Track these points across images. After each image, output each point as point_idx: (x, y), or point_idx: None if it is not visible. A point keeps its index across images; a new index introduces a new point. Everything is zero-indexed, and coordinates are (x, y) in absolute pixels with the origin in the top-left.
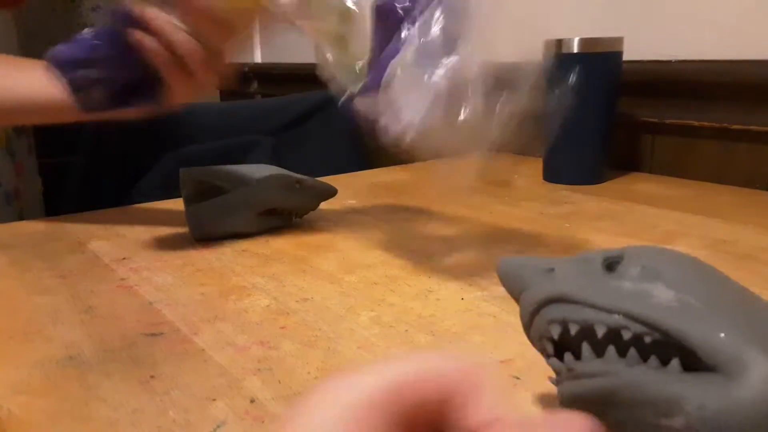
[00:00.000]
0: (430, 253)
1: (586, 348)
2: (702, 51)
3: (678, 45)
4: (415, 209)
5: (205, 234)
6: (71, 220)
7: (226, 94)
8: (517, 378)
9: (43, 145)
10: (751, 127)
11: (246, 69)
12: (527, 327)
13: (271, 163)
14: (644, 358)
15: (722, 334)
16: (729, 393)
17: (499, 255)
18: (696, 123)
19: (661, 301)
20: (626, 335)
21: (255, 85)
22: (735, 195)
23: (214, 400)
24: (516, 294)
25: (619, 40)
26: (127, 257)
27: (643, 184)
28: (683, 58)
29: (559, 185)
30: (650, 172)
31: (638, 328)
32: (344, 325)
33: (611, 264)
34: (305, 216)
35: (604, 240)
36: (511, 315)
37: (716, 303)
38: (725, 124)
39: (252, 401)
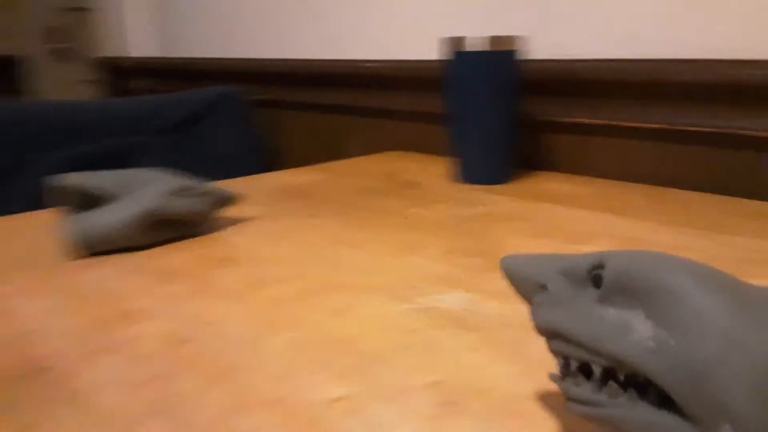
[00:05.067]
0: (348, 262)
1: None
2: (595, 51)
3: (574, 44)
4: (326, 214)
5: (87, 249)
6: None
7: (108, 91)
8: (448, 403)
9: None
10: (645, 125)
11: (130, 63)
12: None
13: (162, 167)
14: (642, 392)
15: (696, 389)
16: None
17: (420, 264)
18: (593, 121)
19: (641, 338)
20: (620, 375)
21: (140, 80)
22: (634, 192)
23: None
24: (521, 296)
25: (520, 39)
26: None
27: (548, 183)
28: (578, 57)
29: (468, 185)
30: (552, 170)
31: (627, 369)
32: (254, 351)
33: (596, 277)
34: (204, 226)
35: (520, 242)
36: (436, 329)
37: (695, 337)
38: (620, 122)
39: None
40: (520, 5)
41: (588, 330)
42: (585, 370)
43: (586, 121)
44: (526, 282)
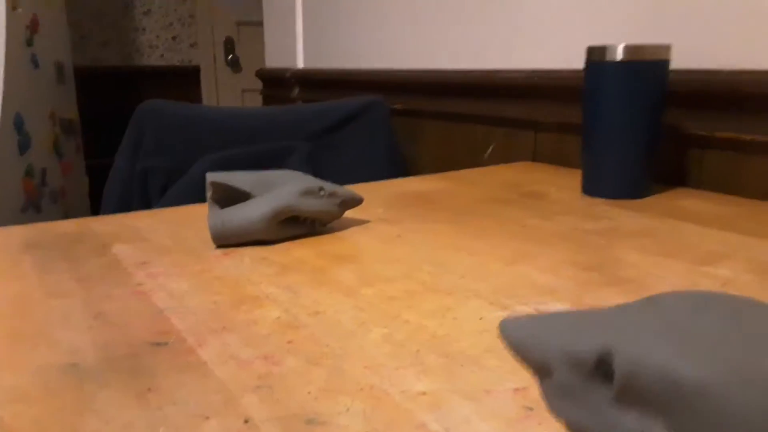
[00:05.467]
0: (456, 267)
1: None
2: (754, 61)
3: (729, 54)
4: (445, 220)
5: (225, 240)
6: (100, 222)
7: (268, 99)
8: (530, 408)
9: (91, 146)
10: None
11: (288, 74)
12: None
13: (307, 169)
14: None
15: None
16: None
17: (528, 273)
18: (748, 137)
19: None
20: None
21: (297, 90)
22: None
23: (207, 418)
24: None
25: (665, 48)
26: (147, 262)
27: (689, 200)
28: (734, 68)
29: (598, 199)
30: (698, 187)
31: None
32: (354, 341)
33: (606, 371)
34: (330, 225)
35: (641, 259)
36: None
37: None
38: None
39: (246, 421)
40: (673, 14)
41: None
42: None
43: (744, 137)
44: (530, 363)
